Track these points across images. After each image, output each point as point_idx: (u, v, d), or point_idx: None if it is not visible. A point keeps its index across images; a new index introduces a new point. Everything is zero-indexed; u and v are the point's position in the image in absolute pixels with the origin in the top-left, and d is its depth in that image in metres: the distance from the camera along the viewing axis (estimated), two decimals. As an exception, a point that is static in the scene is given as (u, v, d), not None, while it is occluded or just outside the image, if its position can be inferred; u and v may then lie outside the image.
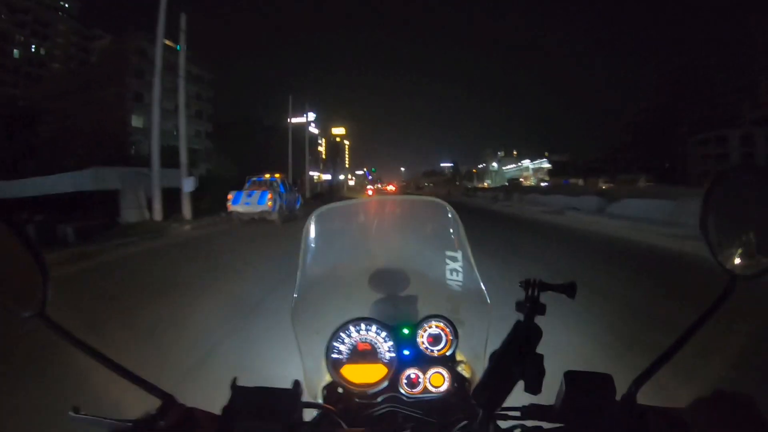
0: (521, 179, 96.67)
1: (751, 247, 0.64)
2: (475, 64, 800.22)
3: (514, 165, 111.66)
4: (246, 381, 0.62)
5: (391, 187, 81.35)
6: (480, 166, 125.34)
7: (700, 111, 55.91)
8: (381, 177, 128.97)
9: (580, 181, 60.31)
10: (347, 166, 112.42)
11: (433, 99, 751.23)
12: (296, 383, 0.61)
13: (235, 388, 0.60)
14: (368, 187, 71.32)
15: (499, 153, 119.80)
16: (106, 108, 31.37)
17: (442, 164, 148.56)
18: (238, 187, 14.37)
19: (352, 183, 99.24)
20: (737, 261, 0.65)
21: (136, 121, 34.47)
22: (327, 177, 75.60)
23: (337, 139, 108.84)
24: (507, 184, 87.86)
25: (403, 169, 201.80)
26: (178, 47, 16.89)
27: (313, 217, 1.07)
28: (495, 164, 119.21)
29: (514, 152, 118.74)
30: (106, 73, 34.24)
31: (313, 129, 77.64)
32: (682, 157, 53.65)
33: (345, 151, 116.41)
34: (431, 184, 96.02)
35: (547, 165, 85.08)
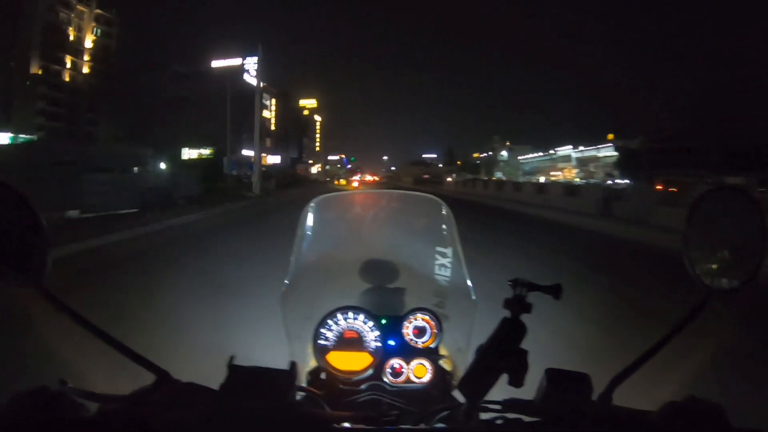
0: (558, 173, 71.93)
1: (728, 265, 0.67)
2: (461, 40, 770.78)
3: (539, 153, 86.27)
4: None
5: (371, 178, 68.47)
6: (483, 155, 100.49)
7: None
8: (360, 166, 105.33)
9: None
10: (318, 149, 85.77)
11: (419, 82, 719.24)
12: (293, 365, 0.61)
13: (232, 367, 0.59)
14: (354, 178, 58.63)
15: (506, 143, 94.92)
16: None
17: (424, 155, 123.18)
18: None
19: (315, 171, 73.13)
20: (714, 276, 0.68)
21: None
22: (275, 160, 48.82)
23: (305, 113, 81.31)
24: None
25: (385, 157, 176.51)
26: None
27: (311, 204, 1.14)
28: (504, 153, 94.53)
29: (507, 143, 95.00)
30: None
31: (251, 78, 50.15)
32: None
33: (315, 129, 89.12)
34: (428, 177, 70.66)
35: (612, 153, 56.74)
